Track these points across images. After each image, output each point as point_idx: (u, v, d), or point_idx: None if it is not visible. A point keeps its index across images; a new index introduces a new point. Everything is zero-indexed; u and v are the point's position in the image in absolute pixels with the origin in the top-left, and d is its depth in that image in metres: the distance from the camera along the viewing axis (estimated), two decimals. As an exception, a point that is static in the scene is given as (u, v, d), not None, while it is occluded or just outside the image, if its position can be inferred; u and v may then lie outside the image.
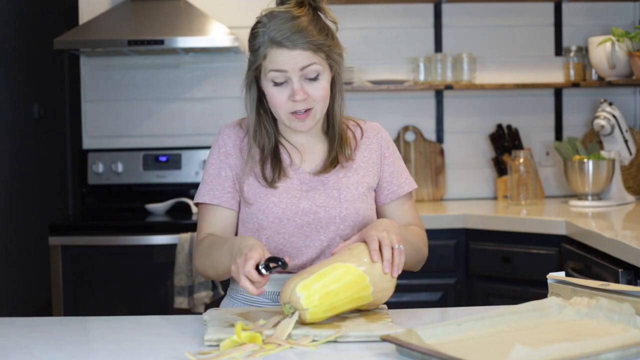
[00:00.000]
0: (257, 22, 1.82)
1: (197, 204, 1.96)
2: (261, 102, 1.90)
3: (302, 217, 1.85)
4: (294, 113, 1.81)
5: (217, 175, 1.91)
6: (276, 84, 1.81)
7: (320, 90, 1.81)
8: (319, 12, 1.84)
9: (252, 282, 1.59)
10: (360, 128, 1.98)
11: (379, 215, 1.97)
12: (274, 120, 1.92)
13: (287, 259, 1.61)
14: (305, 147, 1.93)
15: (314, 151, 1.93)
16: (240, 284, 1.59)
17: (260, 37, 1.80)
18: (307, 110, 1.82)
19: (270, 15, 1.80)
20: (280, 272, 1.72)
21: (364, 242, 1.68)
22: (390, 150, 1.98)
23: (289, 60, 1.77)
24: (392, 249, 1.65)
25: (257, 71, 1.85)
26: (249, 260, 1.59)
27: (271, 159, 1.89)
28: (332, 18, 1.87)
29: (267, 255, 1.62)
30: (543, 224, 3.18)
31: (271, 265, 1.59)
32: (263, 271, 1.58)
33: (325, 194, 1.87)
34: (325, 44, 1.80)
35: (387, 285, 1.66)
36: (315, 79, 1.80)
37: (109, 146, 3.99)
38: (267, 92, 1.84)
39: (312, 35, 1.78)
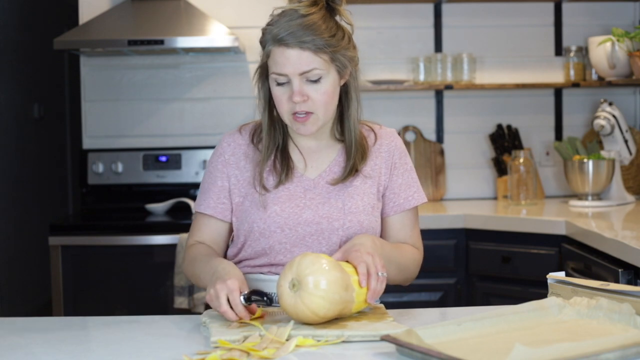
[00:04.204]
0: (269, 21, 1.80)
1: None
2: (271, 101, 1.85)
3: (304, 227, 1.82)
4: (295, 115, 1.78)
5: (213, 185, 1.90)
6: (279, 84, 1.78)
7: (320, 95, 1.77)
8: (334, 13, 1.80)
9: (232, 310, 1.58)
10: (375, 134, 1.93)
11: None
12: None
13: (272, 296, 1.59)
14: (311, 152, 1.89)
15: (321, 157, 1.89)
16: (220, 310, 1.58)
17: (267, 34, 1.77)
18: (307, 114, 1.78)
19: (280, 13, 1.78)
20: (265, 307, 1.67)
21: (347, 260, 1.66)
22: (402, 161, 1.92)
23: (287, 62, 1.74)
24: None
25: (265, 69, 1.82)
26: (233, 292, 1.57)
27: (280, 160, 1.86)
28: (348, 20, 1.82)
29: (246, 288, 1.61)
30: (543, 224, 3.18)
31: (252, 298, 1.58)
32: (244, 303, 1.57)
33: (329, 205, 1.84)
34: (329, 44, 1.75)
35: (361, 308, 1.65)
36: (316, 81, 1.76)
37: (109, 146, 3.99)
38: (272, 91, 1.80)
39: (316, 35, 1.73)
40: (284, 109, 1.79)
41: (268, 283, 1.82)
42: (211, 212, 1.89)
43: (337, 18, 1.81)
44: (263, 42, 1.80)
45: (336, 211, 1.83)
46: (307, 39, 1.73)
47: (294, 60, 1.74)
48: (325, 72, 1.77)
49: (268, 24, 1.79)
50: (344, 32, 1.81)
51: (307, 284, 1.52)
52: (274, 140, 1.86)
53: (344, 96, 1.86)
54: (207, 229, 1.90)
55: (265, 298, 1.58)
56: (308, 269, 1.54)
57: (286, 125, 1.87)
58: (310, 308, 1.52)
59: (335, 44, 1.77)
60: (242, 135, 1.91)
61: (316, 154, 1.89)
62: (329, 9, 1.79)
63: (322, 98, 1.77)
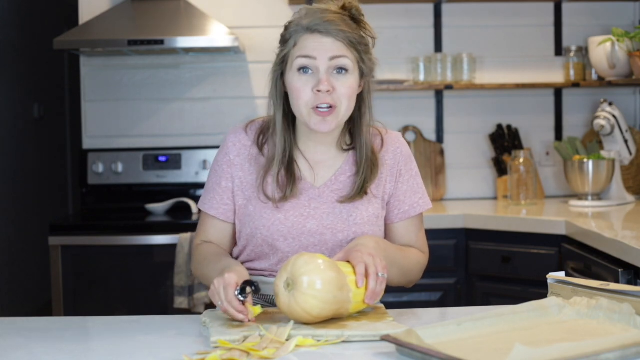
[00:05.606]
0: (296, 16, 1.78)
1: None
2: (284, 105, 1.81)
3: (307, 237, 1.80)
4: (316, 109, 1.73)
5: (218, 185, 1.87)
6: (302, 73, 1.73)
7: (346, 88, 1.73)
8: (358, 24, 1.80)
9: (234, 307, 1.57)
10: (382, 138, 1.88)
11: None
12: (293, 127, 1.83)
13: (258, 284, 1.58)
14: (318, 161, 1.84)
15: (326, 166, 1.85)
16: (221, 309, 1.58)
17: (293, 27, 1.75)
18: (331, 107, 1.73)
19: (307, 10, 1.76)
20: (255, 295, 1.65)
21: (348, 261, 1.65)
22: (407, 167, 1.88)
23: (319, 46, 1.71)
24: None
25: (284, 64, 1.78)
26: (228, 287, 1.56)
27: (285, 169, 1.80)
28: (372, 33, 1.82)
29: (244, 279, 1.61)
30: (543, 224, 3.18)
31: (247, 289, 1.57)
32: (239, 297, 1.57)
33: (334, 215, 1.80)
34: (360, 42, 1.75)
35: (360, 308, 1.64)
36: (343, 74, 1.73)
37: (109, 146, 3.99)
38: (291, 83, 1.75)
39: (350, 30, 1.74)
40: (304, 101, 1.74)
41: (269, 285, 1.81)
42: (214, 213, 1.87)
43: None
44: (287, 35, 1.77)
45: (341, 222, 1.80)
46: (342, 30, 1.72)
47: (326, 46, 1.72)
48: (352, 68, 1.75)
49: (292, 20, 1.77)
50: (368, 43, 1.81)
51: (301, 283, 1.52)
52: (283, 146, 1.80)
53: (356, 110, 1.82)
54: (213, 229, 1.89)
55: (253, 287, 1.57)
56: (302, 269, 1.54)
57: (294, 132, 1.83)
58: (303, 308, 1.52)
59: (365, 44, 1.78)
60: (248, 134, 1.87)
61: (322, 163, 1.85)
62: (353, 20, 1.80)
63: (347, 92, 1.74)
